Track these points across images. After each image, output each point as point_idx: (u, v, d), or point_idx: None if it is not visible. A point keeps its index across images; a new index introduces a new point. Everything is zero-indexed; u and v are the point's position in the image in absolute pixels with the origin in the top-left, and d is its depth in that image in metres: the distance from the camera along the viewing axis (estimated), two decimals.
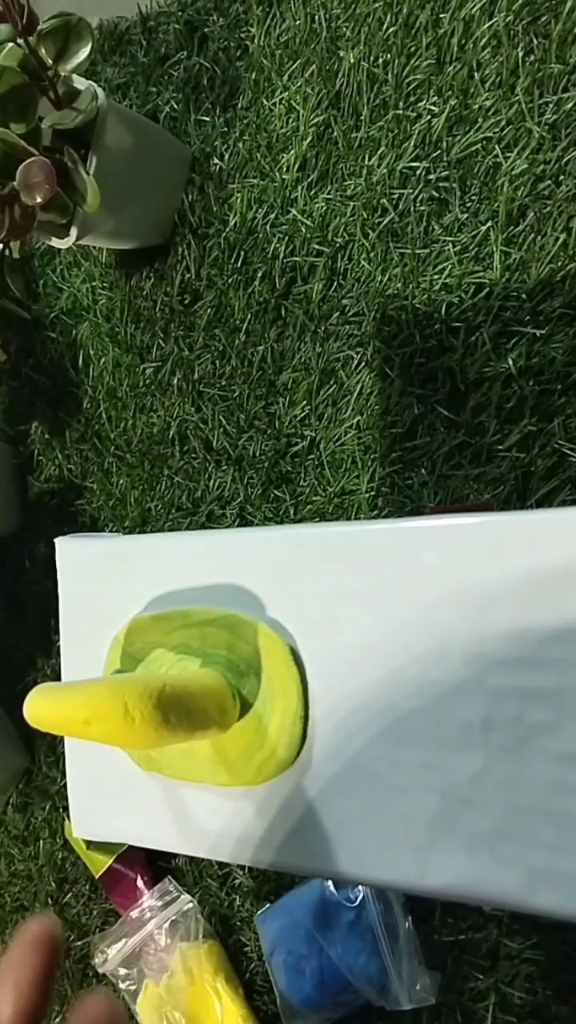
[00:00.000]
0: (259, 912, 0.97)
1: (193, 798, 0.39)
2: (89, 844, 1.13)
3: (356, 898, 0.86)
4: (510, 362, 0.83)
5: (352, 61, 0.94)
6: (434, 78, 0.88)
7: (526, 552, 0.31)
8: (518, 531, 0.31)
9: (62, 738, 0.45)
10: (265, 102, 1.02)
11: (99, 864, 1.11)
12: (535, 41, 0.83)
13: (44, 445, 1.27)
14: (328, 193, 0.96)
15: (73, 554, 0.45)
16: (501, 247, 0.84)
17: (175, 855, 1.09)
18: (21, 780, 1.27)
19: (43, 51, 0.82)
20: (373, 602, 0.34)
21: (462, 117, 0.87)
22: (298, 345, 0.98)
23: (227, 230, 1.04)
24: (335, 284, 0.96)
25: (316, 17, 0.97)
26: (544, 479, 0.82)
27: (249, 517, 1.03)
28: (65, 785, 0.45)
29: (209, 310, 1.06)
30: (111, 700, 0.30)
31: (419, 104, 0.89)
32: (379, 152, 0.92)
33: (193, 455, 1.09)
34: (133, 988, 1.02)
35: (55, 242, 0.94)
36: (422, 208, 0.89)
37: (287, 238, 0.99)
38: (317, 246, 0.96)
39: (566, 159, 0.81)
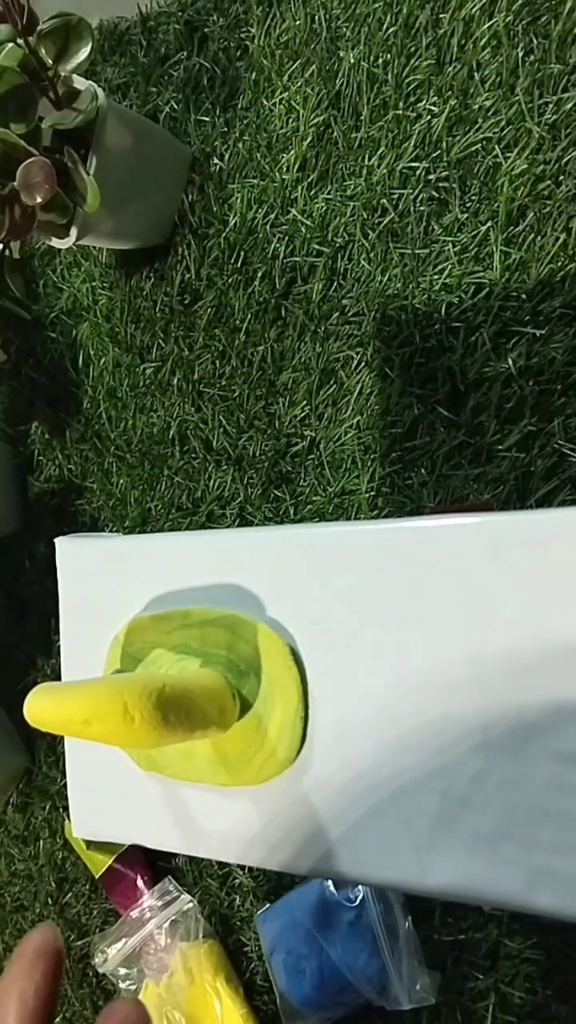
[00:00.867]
0: (259, 912, 0.97)
1: (193, 798, 0.39)
2: (89, 844, 1.13)
3: (356, 898, 0.86)
4: (510, 362, 0.83)
5: (352, 61, 0.94)
6: (434, 78, 0.88)
7: (526, 552, 0.31)
8: (518, 531, 0.31)
9: (62, 738, 0.45)
10: (265, 102, 1.02)
11: (99, 864, 1.11)
12: (535, 41, 0.83)
13: (44, 445, 1.27)
14: (328, 193, 0.96)
15: (73, 554, 0.45)
16: (501, 247, 0.84)
17: (175, 855, 1.09)
18: (21, 780, 1.27)
19: (43, 51, 0.82)
20: (373, 602, 0.34)
21: (462, 117, 0.87)
22: (298, 345, 0.98)
23: (227, 230, 1.04)
24: (335, 284, 0.96)
25: (316, 17, 0.97)
26: (544, 479, 0.82)
27: (249, 517, 1.03)
28: (65, 785, 0.45)
29: (209, 310, 1.06)
30: (111, 700, 0.30)
31: (419, 104, 0.89)
32: (379, 152, 0.92)
33: (193, 455, 1.09)
34: (133, 988, 1.02)
35: (55, 242, 0.94)
36: (422, 208, 0.89)
37: (287, 238, 0.99)
38: (317, 246, 0.96)
39: (566, 159, 0.81)
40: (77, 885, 1.18)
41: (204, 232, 1.07)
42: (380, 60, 0.92)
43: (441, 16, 0.88)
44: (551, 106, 0.82)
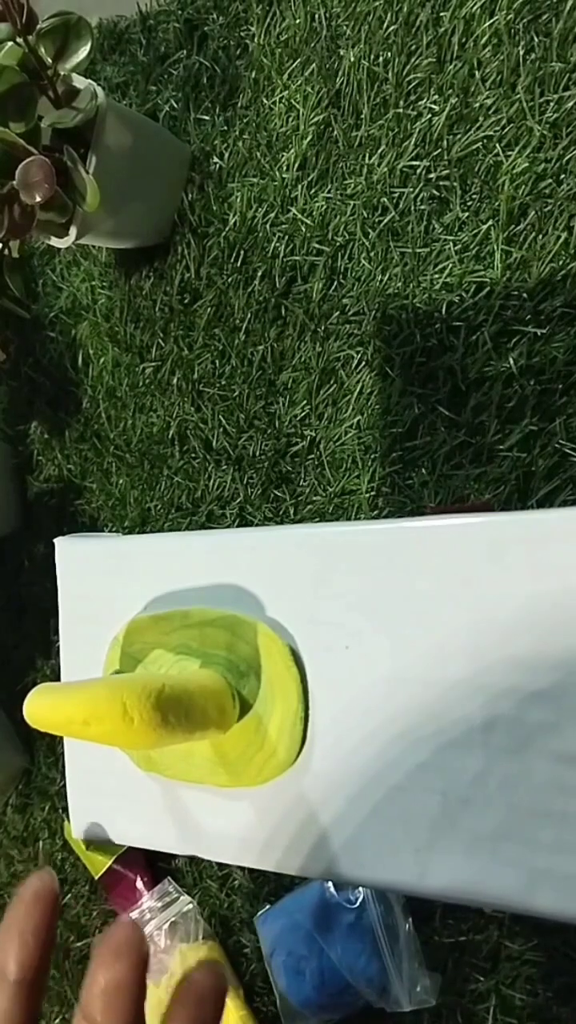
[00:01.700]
0: (259, 913, 0.96)
1: (193, 799, 0.39)
2: (88, 845, 1.13)
3: (356, 899, 0.86)
4: (511, 361, 0.83)
5: (352, 60, 0.93)
6: (435, 76, 0.88)
7: (526, 552, 0.31)
8: (518, 531, 0.31)
9: (62, 739, 0.45)
10: (265, 101, 1.02)
11: (99, 865, 1.11)
12: (536, 39, 0.82)
13: (43, 445, 1.27)
14: (328, 192, 0.96)
15: (73, 554, 0.45)
16: (502, 246, 0.83)
17: (175, 856, 1.09)
18: (20, 781, 1.27)
19: (43, 50, 0.82)
20: (373, 602, 0.34)
21: (463, 116, 0.86)
22: (298, 345, 0.98)
23: (227, 229, 1.04)
24: (335, 283, 0.95)
25: (316, 16, 0.97)
26: (545, 479, 0.81)
27: (249, 517, 1.03)
28: (64, 786, 0.45)
29: (209, 309, 1.06)
30: (110, 700, 0.30)
31: (420, 103, 0.89)
32: (379, 151, 0.92)
33: (193, 455, 1.08)
34: None
35: (55, 241, 0.94)
36: (423, 207, 0.89)
37: (287, 237, 0.99)
38: (317, 245, 0.96)
39: (567, 157, 0.81)
40: (77, 886, 1.18)
41: (204, 231, 1.06)
42: (380, 58, 0.92)
43: (442, 14, 0.87)
44: (552, 104, 0.82)
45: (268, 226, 1.00)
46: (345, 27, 0.95)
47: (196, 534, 0.41)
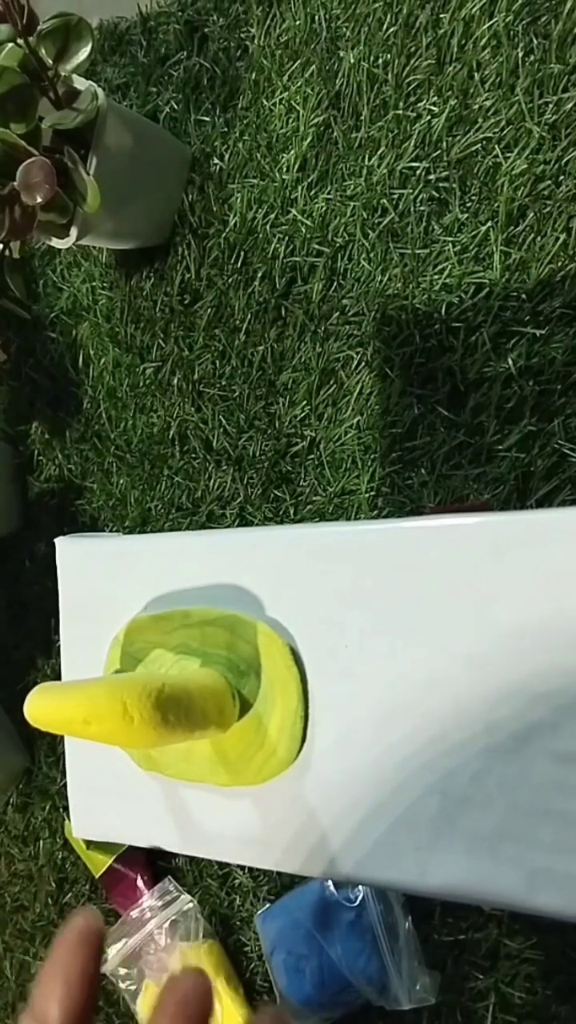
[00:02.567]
0: (259, 912, 0.97)
1: (193, 798, 0.39)
2: (89, 844, 1.13)
3: (356, 898, 0.86)
4: (510, 362, 0.83)
5: (352, 61, 0.94)
6: (434, 78, 0.88)
7: (526, 552, 0.31)
8: (518, 531, 0.31)
9: (62, 738, 0.45)
10: (265, 102, 1.02)
11: (99, 864, 1.11)
12: (535, 41, 0.83)
13: (44, 445, 1.27)
14: (328, 193, 0.96)
15: (73, 554, 0.45)
16: (501, 247, 0.84)
17: (175, 855, 1.09)
18: (21, 780, 1.27)
19: (43, 51, 0.82)
20: (373, 602, 0.34)
21: (462, 117, 0.87)
22: (298, 345, 0.98)
23: (227, 230, 1.04)
24: (335, 284, 0.96)
25: (316, 17, 0.97)
26: (544, 479, 0.82)
27: (249, 517, 1.03)
28: (65, 785, 0.45)
29: (209, 310, 1.06)
30: (110, 700, 0.30)
31: (419, 104, 0.89)
32: (379, 152, 0.92)
33: (193, 455, 1.09)
34: (133, 988, 1.02)
35: (55, 242, 0.94)
36: (422, 208, 0.89)
37: (287, 238, 0.99)
38: (317, 246, 0.96)
39: (566, 159, 0.81)
40: (77, 885, 1.18)
41: (204, 232, 1.07)
42: (380, 60, 0.92)
43: (441, 16, 0.88)
44: (551, 106, 0.82)
45: (268, 227, 1.00)
46: (345, 29, 0.95)
47: (196, 534, 0.41)
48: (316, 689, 0.35)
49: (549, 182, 0.82)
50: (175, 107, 1.11)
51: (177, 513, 1.10)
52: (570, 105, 0.81)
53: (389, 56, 0.91)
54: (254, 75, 1.03)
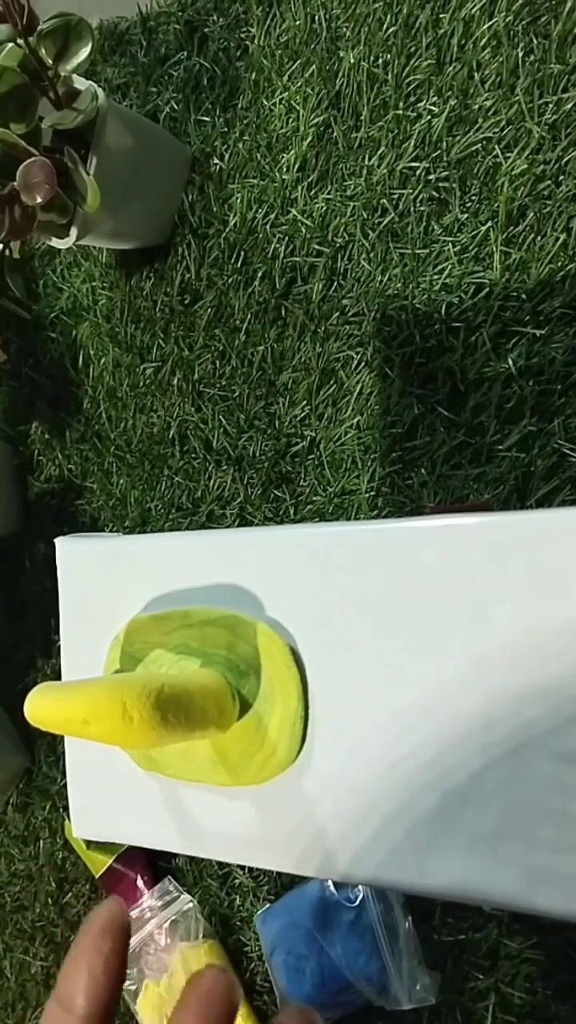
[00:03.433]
0: (259, 912, 0.97)
1: (193, 798, 0.39)
2: (89, 844, 1.13)
3: (356, 898, 0.86)
4: (510, 362, 0.83)
5: (352, 61, 0.94)
6: (434, 78, 0.88)
7: (526, 552, 0.31)
8: (518, 531, 0.31)
9: (62, 738, 0.45)
10: (265, 102, 1.02)
11: (99, 864, 1.11)
12: (535, 41, 0.83)
13: (44, 445, 1.27)
14: (328, 193, 0.96)
15: (73, 554, 0.45)
16: (501, 247, 0.84)
17: (175, 855, 1.09)
18: (21, 780, 1.27)
19: (43, 51, 0.82)
20: (373, 602, 0.34)
21: (462, 117, 0.87)
22: (298, 345, 0.98)
23: (227, 230, 1.04)
24: (335, 284, 0.96)
25: (316, 17, 0.97)
26: (544, 479, 0.82)
27: (249, 517, 1.03)
28: (65, 785, 0.45)
29: (209, 310, 1.06)
30: (109, 699, 0.30)
31: (419, 104, 0.89)
32: (379, 152, 0.92)
33: (193, 455, 1.09)
34: (133, 988, 1.02)
35: (55, 242, 0.94)
36: (422, 208, 0.89)
37: (287, 238, 0.99)
38: (317, 246, 0.96)
39: (566, 159, 0.81)
40: (77, 885, 1.18)
41: (204, 232, 1.07)
42: (380, 60, 0.92)
43: (441, 16, 0.88)
44: (551, 106, 0.82)
45: (268, 227, 1.00)
46: (345, 29, 0.95)
47: (196, 534, 0.41)
48: (316, 689, 0.35)
49: (549, 182, 0.82)
50: (175, 107, 1.11)
51: (177, 513, 1.10)
52: (570, 105, 0.81)
53: (389, 56, 0.91)
54: (254, 75, 1.03)
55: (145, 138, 0.99)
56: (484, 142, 0.85)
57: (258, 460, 1.02)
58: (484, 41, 0.85)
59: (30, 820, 1.25)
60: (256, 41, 1.03)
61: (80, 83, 0.89)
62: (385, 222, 0.91)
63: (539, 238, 0.82)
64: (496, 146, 0.84)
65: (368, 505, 0.93)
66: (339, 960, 0.85)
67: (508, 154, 0.84)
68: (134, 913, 1.04)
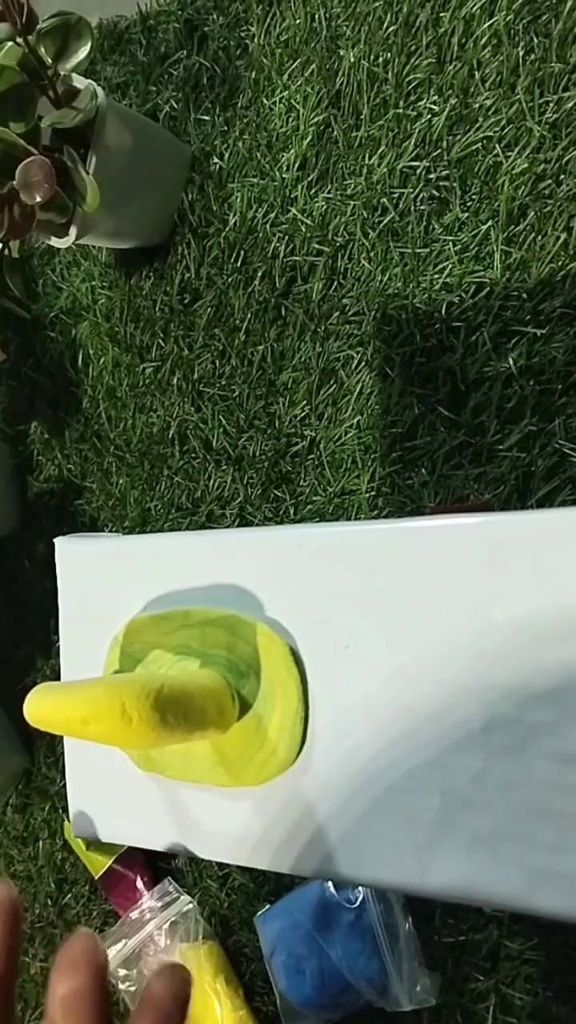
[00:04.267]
0: (259, 913, 0.96)
1: (193, 799, 0.39)
2: (88, 845, 1.13)
3: (356, 899, 0.86)
4: (511, 362, 0.83)
5: (352, 60, 0.93)
6: (434, 77, 0.88)
7: (526, 552, 0.31)
8: (518, 531, 0.31)
9: (62, 738, 0.45)
10: (265, 101, 1.02)
11: (99, 865, 1.11)
12: (535, 40, 0.82)
13: (44, 445, 1.27)
14: (328, 192, 0.96)
15: (73, 554, 0.45)
16: (501, 246, 0.83)
17: (175, 856, 1.09)
18: (21, 781, 1.27)
19: (43, 50, 0.82)
20: (373, 602, 0.34)
21: (462, 116, 0.86)
22: (298, 345, 0.98)
23: (227, 229, 1.04)
24: (335, 284, 0.95)
25: (316, 16, 0.97)
26: (545, 479, 0.81)
27: (249, 517, 1.03)
28: (64, 786, 0.45)
29: (209, 310, 1.06)
30: (109, 700, 0.30)
31: (419, 103, 0.89)
32: (379, 151, 0.92)
33: (193, 455, 1.08)
34: (133, 989, 1.01)
35: (54, 241, 0.94)
36: (422, 207, 0.89)
37: (287, 237, 0.99)
38: (317, 245, 0.96)
39: (567, 158, 0.81)
40: (77, 886, 1.18)
41: (204, 231, 1.07)
42: (380, 59, 0.92)
43: (441, 15, 0.88)
44: (552, 105, 0.82)
45: (268, 226, 1.00)
46: (345, 27, 0.95)
47: (196, 534, 0.41)
48: (316, 689, 0.35)
49: (550, 181, 0.82)
50: (175, 106, 1.11)
51: (177, 513, 1.10)
52: (571, 104, 0.81)
53: (389, 55, 0.91)
54: (254, 74, 1.03)
55: (145, 137, 0.99)
56: (485, 141, 0.85)
57: (258, 460, 1.02)
58: (485, 40, 0.85)
59: (29, 821, 1.25)
60: (256, 40, 1.03)
61: (80, 82, 0.89)
62: (385, 221, 0.91)
63: (540, 237, 0.82)
64: (497, 145, 0.84)
65: (368, 505, 0.92)
66: (339, 961, 0.85)
67: (509, 153, 0.83)
68: (134, 914, 1.04)
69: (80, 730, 0.30)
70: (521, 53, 0.83)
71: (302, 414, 0.98)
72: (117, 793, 0.42)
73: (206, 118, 1.07)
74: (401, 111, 0.90)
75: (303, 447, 0.98)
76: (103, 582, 0.44)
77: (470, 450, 0.85)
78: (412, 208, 0.89)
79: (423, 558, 0.33)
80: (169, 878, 1.06)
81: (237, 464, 1.04)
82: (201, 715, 0.33)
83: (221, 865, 1.04)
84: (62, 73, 0.85)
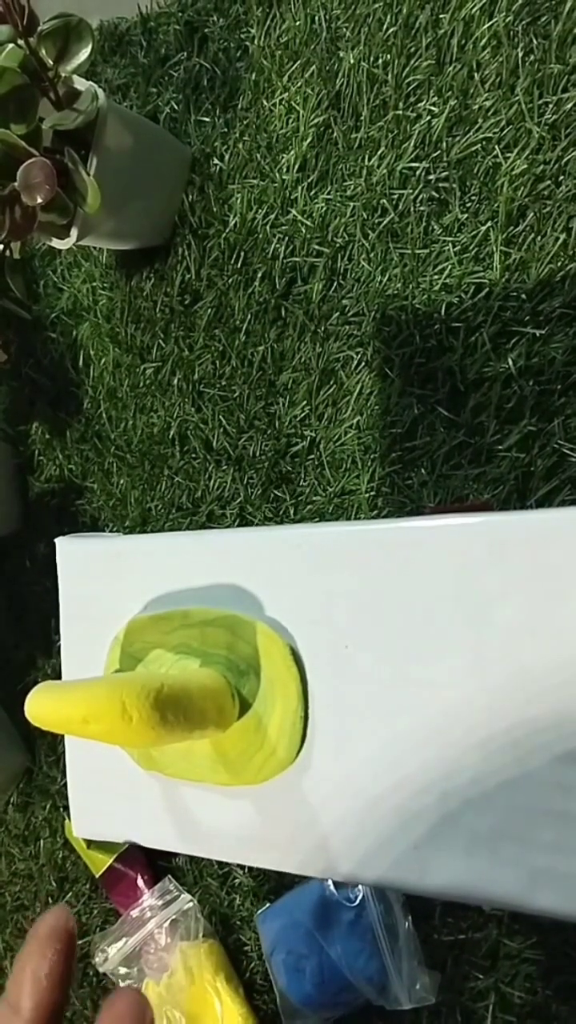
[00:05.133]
0: (259, 911, 0.97)
1: (193, 797, 0.39)
2: (89, 843, 1.13)
3: (356, 898, 0.86)
4: (510, 362, 0.83)
5: (352, 61, 0.94)
6: (434, 78, 0.88)
7: (526, 552, 0.31)
8: (518, 531, 0.31)
9: (62, 737, 0.45)
10: (265, 103, 1.02)
11: (99, 863, 1.11)
12: (535, 41, 0.83)
13: (44, 445, 1.27)
14: (328, 193, 0.96)
15: (73, 554, 0.45)
16: (501, 247, 0.84)
17: (175, 854, 1.09)
18: (22, 779, 1.27)
19: (44, 52, 0.82)
20: (373, 602, 0.34)
21: (462, 117, 0.87)
22: (298, 345, 0.99)
23: (227, 230, 1.04)
24: (335, 284, 0.96)
25: (316, 18, 0.97)
26: (544, 479, 0.82)
27: (249, 517, 1.03)
28: (65, 784, 0.45)
29: (209, 310, 1.06)
30: (109, 699, 0.30)
31: (419, 104, 0.89)
32: (379, 152, 0.92)
33: (193, 455, 1.09)
34: (133, 987, 1.02)
35: (55, 243, 0.94)
36: (422, 208, 0.89)
37: (287, 238, 0.99)
38: (317, 246, 0.96)
39: (566, 159, 0.81)
40: (77, 884, 1.18)
41: (204, 232, 1.07)
42: (380, 60, 0.92)
43: (441, 16, 0.88)
44: (551, 106, 0.82)
45: (268, 227, 1.00)
46: (345, 29, 0.95)
47: (196, 534, 0.41)
48: (316, 689, 0.35)
49: (549, 182, 0.82)
50: (175, 108, 1.11)
51: (177, 513, 1.10)
52: (570, 105, 0.81)
53: (389, 56, 0.91)
54: (254, 76, 1.03)
55: (145, 139, 0.99)
56: (484, 142, 0.85)
57: (258, 460, 1.02)
58: (484, 41, 0.85)
59: (30, 819, 1.25)
60: (256, 42, 1.03)
61: (80, 84, 0.89)
62: (385, 222, 0.91)
63: (539, 238, 0.82)
64: (496, 146, 0.84)
65: (368, 505, 0.93)
66: (339, 960, 0.85)
67: (508, 154, 0.84)
68: (134, 913, 1.04)
69: (81, 729, 0.30)
70: (520, 54, 0.83)
71: (302, 414, 0.98)
72: (118, 792, 0.42)
73: (206, 120, 1.07)
74: (401, 112, 0.90)
75: (303, 447, 0.98)
76: (104, 582, 0.44)
77: (469, 450, 0.86)
78: (412, 209, 0.89)
79: (423, 558, 0.33)
80: (169, 876, 1.07)
81: (237, 464, 1.04)
82: (201, 714, 0.33)
83: (221, 864, 1.04)
84: (63, 75, 0.86)
